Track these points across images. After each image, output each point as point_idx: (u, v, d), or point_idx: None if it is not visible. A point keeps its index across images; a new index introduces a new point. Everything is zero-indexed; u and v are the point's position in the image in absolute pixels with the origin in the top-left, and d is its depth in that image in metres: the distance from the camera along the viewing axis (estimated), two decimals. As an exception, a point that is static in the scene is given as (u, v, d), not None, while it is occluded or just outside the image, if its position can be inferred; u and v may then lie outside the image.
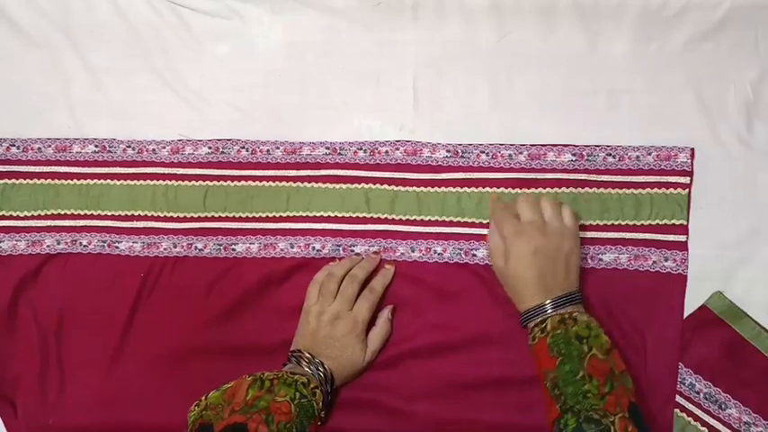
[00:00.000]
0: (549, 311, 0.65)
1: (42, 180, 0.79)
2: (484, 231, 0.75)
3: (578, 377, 0.60)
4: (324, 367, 0.68)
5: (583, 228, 0.74)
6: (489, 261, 0.72)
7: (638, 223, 0.73)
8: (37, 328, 0.76)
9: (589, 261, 0.73)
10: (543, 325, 0.64)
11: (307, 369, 0.67)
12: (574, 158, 0.75)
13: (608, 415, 0.58)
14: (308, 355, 0.68)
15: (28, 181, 0.79)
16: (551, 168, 0.75)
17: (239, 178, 0.78)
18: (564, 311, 0.64)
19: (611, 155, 0.75)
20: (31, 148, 0.80)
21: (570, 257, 0.67)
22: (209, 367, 0.74)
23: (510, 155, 0.76)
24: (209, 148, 0.79)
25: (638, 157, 0.74)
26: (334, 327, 0.70)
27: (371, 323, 0.73)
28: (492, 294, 0.74)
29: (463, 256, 0.75)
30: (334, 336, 0.70)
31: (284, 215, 0.77)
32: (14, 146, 0.80)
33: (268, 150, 0.78)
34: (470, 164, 0.76)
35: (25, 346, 0.76)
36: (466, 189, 0.76)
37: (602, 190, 0.74)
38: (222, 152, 0.79)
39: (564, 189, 0.75)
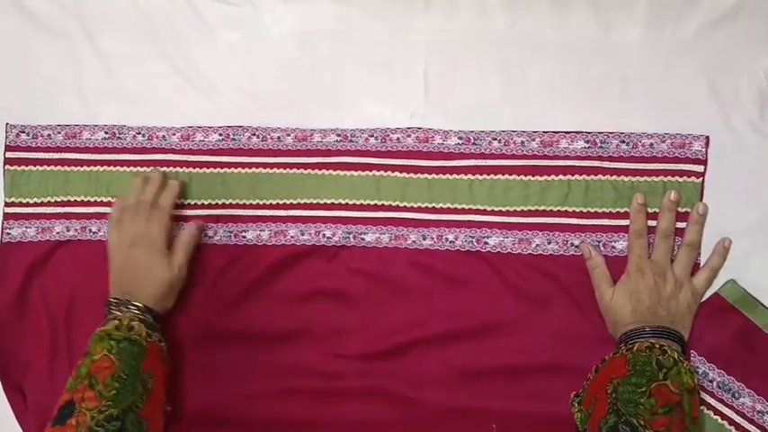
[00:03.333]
0: (645, 333, 0.68)
1: (52, 167, 0.82)
2: (495, 219, 0.77)
3: (640, 390, 0.63)
4: (134, 305, 0.70)
5: (595, 215, 0.76)
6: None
7: (651, 211, 0.75)
8: (47, 316, 0.78)
9: (602, 248, 0.75)
10: (631, 345, 0.67)
11: (118, 314, 0.70)
12: (587, 145, 0.77)
13: (649, 427, 0.60)
14: (113, 300, 0.71)
15: (38, 168, 0.82)
16: (564, 155, 0.77)
17: (250, 165, 0.80)
18: (655, 340, 0.67)
19: (624, 142, 0.77)
20: (41, 135, 0.82)
21: (683, 308, 0.70)
22: (220, 354, 0.76)
23: (522, 142, 0.78)
24: (220, 134, 0.81)
25: (651, 144, 0.76)
26: (132, 253, 0.73)
27: None
28: (504, 282, 0.76)
29: (475, 243, 0.77)
30: (137, 261, 0.72)
31: (295, 202, 0.79)
32: (24, 132, 0.83)
33: (279, 137, 0.80)
34: (482, 151, 0.78)
35: (35, 334, 0.78)
36: (478, 176, 0.78)
37: (614, 177, 0.76)
38: (233, 139, 0.81)
39: (576, 176, 0.77)
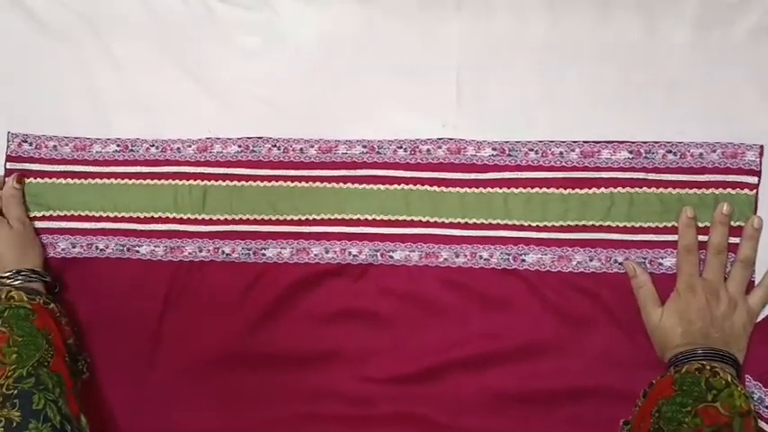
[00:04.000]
0: (696, 356, 0.64)
1: (54, 179, 0.78)
2: (533, 235, 0.74)
3: (685, 410, 0.60)
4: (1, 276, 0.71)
5: (640, 230, 0.73)
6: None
7: (701, 225, 0.71)
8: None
9: (648, 266, 0.72)
10: (680, 367, 0.64)
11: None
12: (630, 156, 0.73)
13: None
14: None
15: (39, 180, 0.78)
16: (606, 167, 0.73)
17: (270, 178, 0.76)
18: (708, 363, 0.63)
19: (671, 152, 0.73)
20: (46, 146, 0.79)
21: (737, 329, 0.67)
22: (241, 376, 0.73)
23: (561, 152, 0.74)
24: (239, 146, 0.77)
25: (701, 154, 0.72)
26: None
27: None
28: (542, 302, 0.73)
29: (511, 261, 0.73)
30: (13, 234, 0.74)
31: (318, 218, 0.76)
32: (27, 142, 0.79)
33: (301, 149, 0.77)
34: (518, 162, 0.75)
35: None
36: (513, 189, 0.74)
37: (661, 190, 0.73)
38: (252, 151, 0.77)
39: (619, 189, 0.73)
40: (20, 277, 0.70)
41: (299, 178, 0.76)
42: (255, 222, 0.76)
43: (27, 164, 0.78)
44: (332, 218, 0.75)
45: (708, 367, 0.62)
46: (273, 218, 0.76)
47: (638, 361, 0.70)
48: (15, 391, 0.59)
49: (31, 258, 0.73)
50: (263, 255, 0.75)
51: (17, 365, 0.62)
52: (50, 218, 0.77)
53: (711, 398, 0.59)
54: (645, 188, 0.72)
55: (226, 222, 0.76)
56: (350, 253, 0.74)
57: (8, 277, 0.70)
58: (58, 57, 0.80)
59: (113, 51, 0.80)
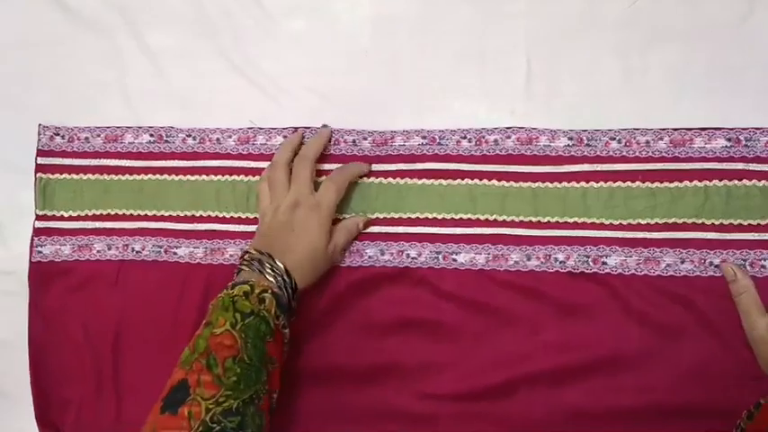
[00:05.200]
0: None
1: (90, 175, 0.74)
2: (615, 234, 0.67)
3: None
4: (273, 260, 0.62)
5: (740, 228, 0.66)
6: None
7: (810, 223, 0.63)
8: (89, 347, 0.72)
9: (749, 268, 0.65)
10: None
11: (248, 269, 0.62)
12: (728, 144, 0.66)
13: None
14: (254, 251, 0.62)
15: (73, 176, 0.74)
16: (700, 157, 0.67)
17: (320, 173, 0.71)
18: None
19: (776, 139, 0.66)
20: (78, 138, 0.75)
21: None
22: (287, 394, 0.67)
23: (647, 141, 0.68)
24: (285, 137, 0.72)
25: (809, 141, 0.65)
26: (293, 214, 0.65)
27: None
28: (626, 309, 0.66)
29: (590, 264, 0.67)
30: (293, 222, 0.65)
31: (373, 217, 0.70)
32: (59, 135, 0.75)
33: (354, 141, 0.72)
34: (598, 153, 0.68)
35: (76, 368, 0.72)
36: (593, 184, 0.68)
37: (763, 182, 0.65)
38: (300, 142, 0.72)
39: (716, 182, 0.66)
40: (284, 280, 0.61)
41: None
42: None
43: (59, 158, 0.74)
44: (388, 217, 0.70)
45: None
46: (323, 217, 0.71)
47: (737, 376, 0.63)
48: (218, 427, 0.52)
49: (306, 276, 0.64)
50: None
51: (232, 394, 0.54)
52: (86, 217, 0.73)
53: None
54: (745, 180, 0.65)
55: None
56: (408, 255, 0.69)
57: (278, 269, 0.61)
58: (88, 46, 0.76)
59: (146, 40, 0.76)
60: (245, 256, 0.62)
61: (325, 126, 0.71)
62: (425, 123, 0.71)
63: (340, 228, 0.67)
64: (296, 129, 0.72)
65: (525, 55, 0.71)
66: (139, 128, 0.73)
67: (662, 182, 0.66)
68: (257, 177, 0.71)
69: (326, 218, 0.65)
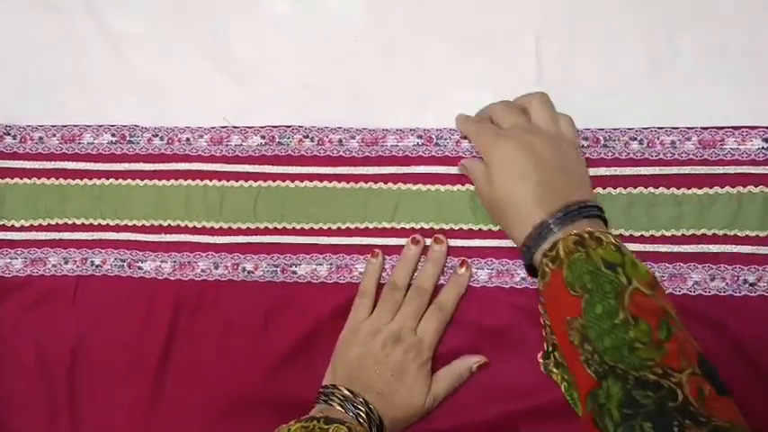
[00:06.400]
0: (555, 231, 0.52)
1: (44, 179, 0.69)
2: (637, 247, 0.61)
3: (618, 320, 0.47)
4: (368, 407, 0.56)
5: None
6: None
7: None
8: (42, 373, 0.66)
9: None
10: (553, 252, 0.51)
11: (341, 410, 0.56)
12: (765, 145, 0.61)
13: (670, 373, 0.44)
14: (345, 391, 0.57)
15: (26, 180, 0.69)
16: (732, 160, 0.61)
17: (301, 177, 0.66)
18: (579, 228, 0.52)
19: (820, 140, 0.61)
20: (31, 138, 0.69)
21: (572, 161, 0.57)
22: (270, 423, 0.61)
23: (673, 142, 0.62)
24: (262, 137, 0.67)
25: None
26: (391, 351, 0.59)
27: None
28: None
29: None
30: (391, 363, 0.58)
31: (362, 226, 0.65)
32: (9, 134, 0.69)
33: (340, 140, 0.66)
34: (617, 155, 0.63)
35: (27, 396, 0.67)
36: (611, 190, 0.62)
37: None
38: (279, 143, 0.67)
39: (750, 188, 0.61)
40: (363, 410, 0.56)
41: (338, 177, 0.65)
42: (284, 232, 0.65)
43: (10, 161, 0.68)
44: (379, 227, 0.64)
45: (586, 235, 0.50)
46: (307, 227, 0.65)
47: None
48: None
49: (393, 425, 0.58)
50: (294, 273, 0.65)
51: None
52: (40, 228, 0.67)
53: (625, 279, 0.47)
54: (784, 187, 0.60)
55: (248, 232, 0.66)
56: (404, 270, 0.64)
57: (367, 413, 0.56)
58: (43, 31, 0.72)
59: (106, 21, 0.71)
60: (331, 390, 0.57)
61: (438, 241, 0.62)
62: (423, 117, 0.66)
63: (443, 377, 0.59)
64: (274, 127, 0.66)
65: (535, 39, 0.67)
66: (100, 126, 0.68)
67: (689, 188, 0.61)
68: (231, 183, 0.66)
69: (427, 362, 0.59)
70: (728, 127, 0.61)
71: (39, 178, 0.68)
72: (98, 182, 0.67)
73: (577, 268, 0.49)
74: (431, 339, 0.59)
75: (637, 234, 0.61)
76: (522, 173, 0.54)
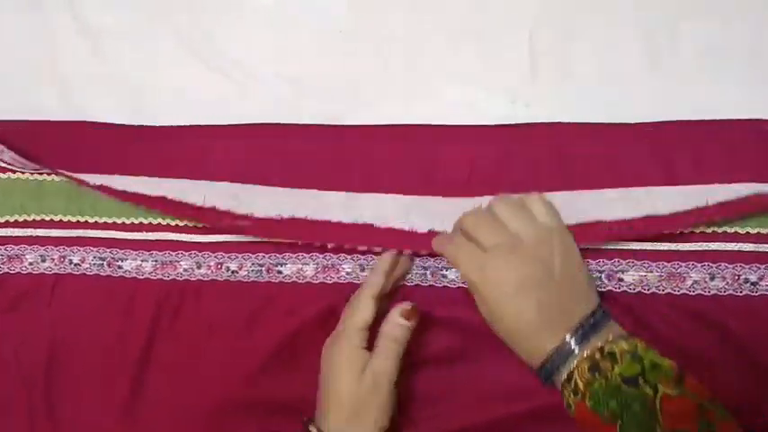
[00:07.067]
0: (568, 359, 0.51)
1: (20, 174, 0.69)
2: (633, 246, 0.60)
3: None
4: None
5: None
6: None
7: None
8: (19, 375, 0.66)
9: None
10: (571, 383, 0.51)
11: None
12: None
13: None
14: None
15: (0, 175, 0.69)
16: None
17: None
18: (590, 348, 0.50)
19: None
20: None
21: (569, 265, 0.54)
22: (254, 425, 0.64)
23: None
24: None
25: None
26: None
27: None
28: (646, 333, 0.58)
29: (605, 280, 0.60)
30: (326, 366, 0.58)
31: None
32: None
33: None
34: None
35: (3, 399, 0.66)
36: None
37: None
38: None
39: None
40: None
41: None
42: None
43: None
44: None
45: (597, 356, 0.49)
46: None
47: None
48: None
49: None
50: (279, 273, 0.64)
51: None
52: (16, 224, 0.67)
53: (651, 389, 0.47)
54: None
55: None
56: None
57: None
58: (17, 26, 0.72)
59: (85, 15, 0.71)
60: None
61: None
62: (414, 113, 0.65)
63: (380, 345, 0.56)
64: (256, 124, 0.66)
65: (529, 32, 0.66)
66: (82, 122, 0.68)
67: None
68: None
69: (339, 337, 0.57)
70: (734, 119, 0.60)
71: (14, 173, 0.68)
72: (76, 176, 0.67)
73: (600, 395, 0.49)
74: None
75: (635, 232, 0.61)
76: (519, 306, 0.52)
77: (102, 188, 0.64)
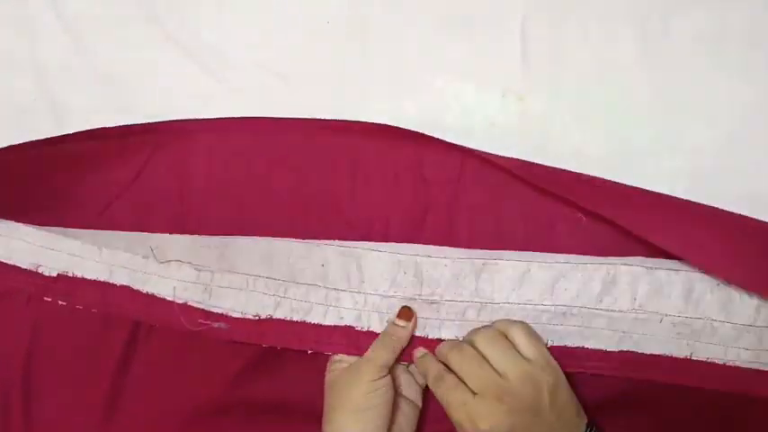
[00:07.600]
0: None
1: None
2: None
3: None
4: None
5: None
6: None
7: None
8: None
9: None
10: None
11: None
12: None
13: None
14: None
15: None
16: None
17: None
18: None
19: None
20: None
21: (557, 398, 0.53)
22: (235, 430, 0.63)
23: None
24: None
25: None
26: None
27: None
28: None
29: None
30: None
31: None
32: None
33: None
34: None
35: None
36: None
37: None
38: None
39: None
40: None
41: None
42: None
43: None
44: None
45: None
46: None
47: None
48: None
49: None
50: None
51: None
52: None
53: None
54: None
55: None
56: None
57: None
58: None
59: (63, 8, 0.70)
60: None
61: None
62: (401, 106, 0.64)
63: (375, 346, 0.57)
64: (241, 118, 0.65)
65: (521, 21, 0.64)
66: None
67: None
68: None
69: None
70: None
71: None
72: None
73: None
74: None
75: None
76: None
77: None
